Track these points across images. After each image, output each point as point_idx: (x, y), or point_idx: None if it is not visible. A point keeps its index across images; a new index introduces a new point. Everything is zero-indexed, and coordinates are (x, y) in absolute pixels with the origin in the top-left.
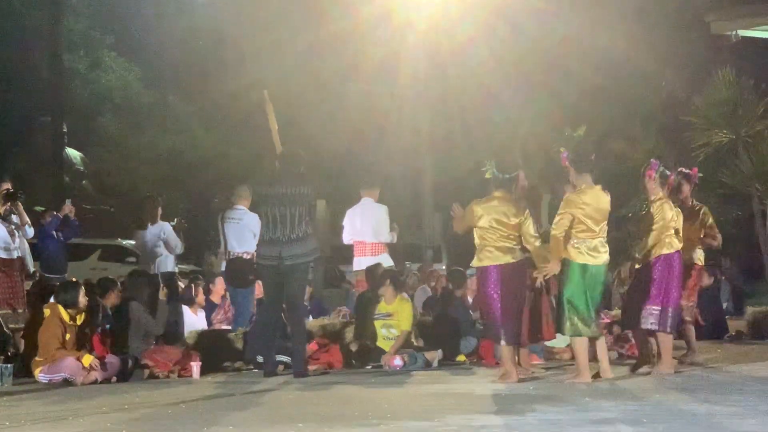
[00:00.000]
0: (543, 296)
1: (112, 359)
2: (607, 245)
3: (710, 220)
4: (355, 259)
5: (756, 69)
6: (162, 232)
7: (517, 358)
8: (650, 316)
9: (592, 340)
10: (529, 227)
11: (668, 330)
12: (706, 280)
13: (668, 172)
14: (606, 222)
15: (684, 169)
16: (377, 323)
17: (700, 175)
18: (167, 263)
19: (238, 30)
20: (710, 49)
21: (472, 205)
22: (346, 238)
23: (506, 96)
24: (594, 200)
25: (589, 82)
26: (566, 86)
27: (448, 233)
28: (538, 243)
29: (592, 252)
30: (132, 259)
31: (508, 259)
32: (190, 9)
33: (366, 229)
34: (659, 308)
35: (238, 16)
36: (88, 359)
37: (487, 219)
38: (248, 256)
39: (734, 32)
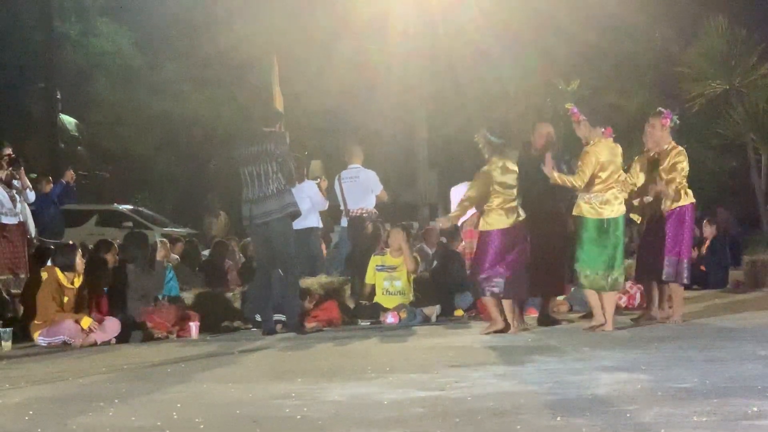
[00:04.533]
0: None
1: (110, 321)
2: (620, 196)
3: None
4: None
5: (748, 19)
6: (308, 189)
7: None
8: (668, 268)
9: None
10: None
11: (683, 281)
12: (709, 231)
13: (679, 122)
14: (620, 173)
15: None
16: (380, 275)
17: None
18: (312, 219)
19: None
20: (703, 0)
21: (483, 173)
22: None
23: (496, 53)
24: (609, 153)
25: (580, 38)
26: (557, 43)
27: (444, 190)
28: None
29: (604, 205)
30: (129, 223)
31: (512, 220)
32: None
33: None
34: (676, 259)
35: None
36: (86, 321)
37: (494, 184)
38: (365, 213)
39: None
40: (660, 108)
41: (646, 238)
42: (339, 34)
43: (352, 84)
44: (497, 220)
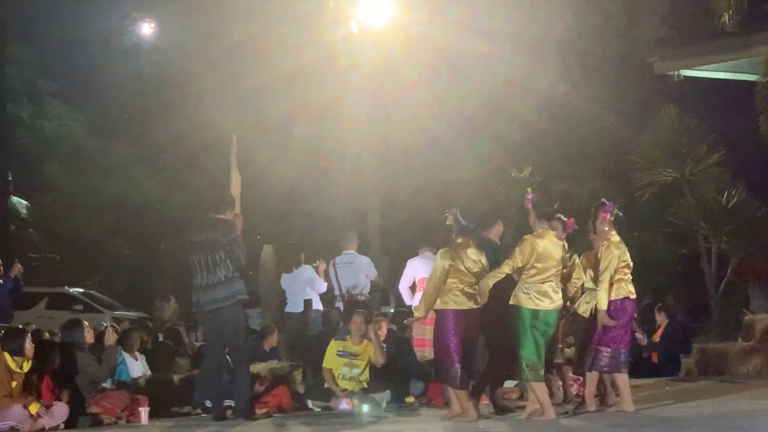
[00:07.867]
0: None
1: (59, 406)
2: (560, 290)
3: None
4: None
5: (698, 108)
6: (305, 273)
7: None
8: (602, 358)
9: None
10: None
11: (621, 370)
12: (661, 319)
13: (621, 214)
14: (560, 267)
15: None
16: (340, 361)
17: (576, 227)
18: (313, 302)
19: (182, 73)
20: (654, 89)
21: (439, 259)
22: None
23: (449, 139)
24: (548, 245)
25: (532, 124)
26: (509, 129)
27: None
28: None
29: (542, 297)
30: (79, 306)
31: (471, 305)
32: (134, 53)
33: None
34: (610, 350)
35: (181, 59)
36: (35, 407)
37: (454, 264)
38: (362, 298)
39: (677, 72)
40: (603, 199)
41: (586, 329)
42: (294, 121)
43: (306, 169)
44: (454, 300)
